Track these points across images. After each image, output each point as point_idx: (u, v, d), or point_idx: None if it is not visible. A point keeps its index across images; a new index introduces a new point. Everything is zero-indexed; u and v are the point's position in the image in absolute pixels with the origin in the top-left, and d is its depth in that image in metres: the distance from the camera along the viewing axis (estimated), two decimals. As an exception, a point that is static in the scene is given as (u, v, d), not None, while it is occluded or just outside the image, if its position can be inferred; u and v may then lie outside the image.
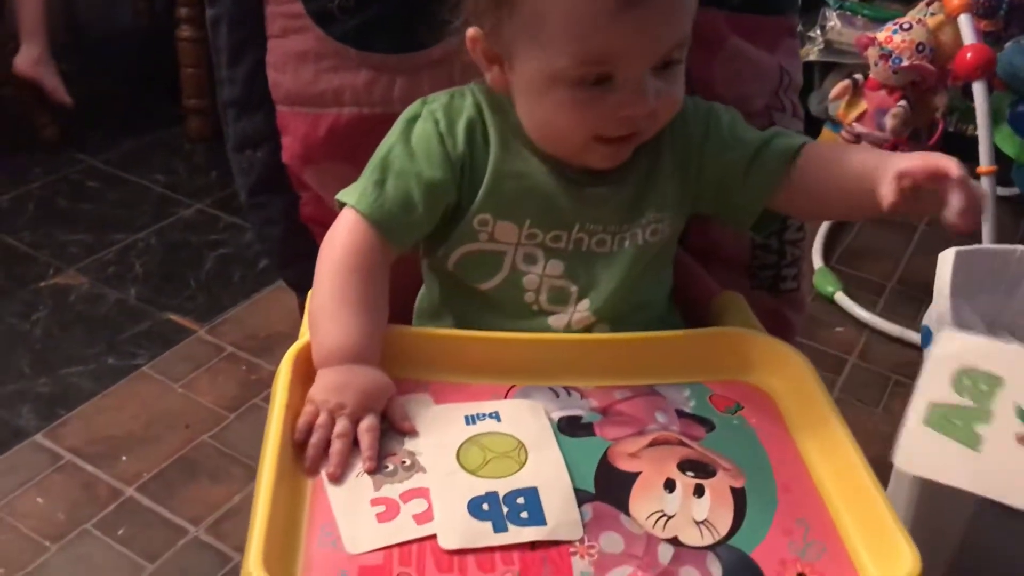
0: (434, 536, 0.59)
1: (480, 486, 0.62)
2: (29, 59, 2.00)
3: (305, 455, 0.64)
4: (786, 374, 0.74)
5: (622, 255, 0.75)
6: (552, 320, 0.76)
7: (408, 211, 0.73)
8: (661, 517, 0.62)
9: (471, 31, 0.71)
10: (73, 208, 1.95)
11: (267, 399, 0.69)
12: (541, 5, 0.66)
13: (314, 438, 0.65)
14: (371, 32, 0.83)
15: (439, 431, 0.67)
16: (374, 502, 0.61)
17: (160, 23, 2.45)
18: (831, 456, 0.68)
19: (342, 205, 0.73)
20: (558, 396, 0.71)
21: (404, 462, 0.64)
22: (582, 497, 0.62)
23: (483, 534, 0.59)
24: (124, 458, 1.38)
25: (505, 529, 0.59)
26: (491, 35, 0.70)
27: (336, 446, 0.64)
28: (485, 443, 0.66)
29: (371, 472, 0.63)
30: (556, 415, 0.69)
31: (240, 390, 1.51)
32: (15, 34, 2.03)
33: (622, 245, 0.75)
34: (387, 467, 0.64)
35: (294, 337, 0.76)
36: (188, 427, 1.44)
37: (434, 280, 0.80)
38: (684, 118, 0.76)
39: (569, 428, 0.68)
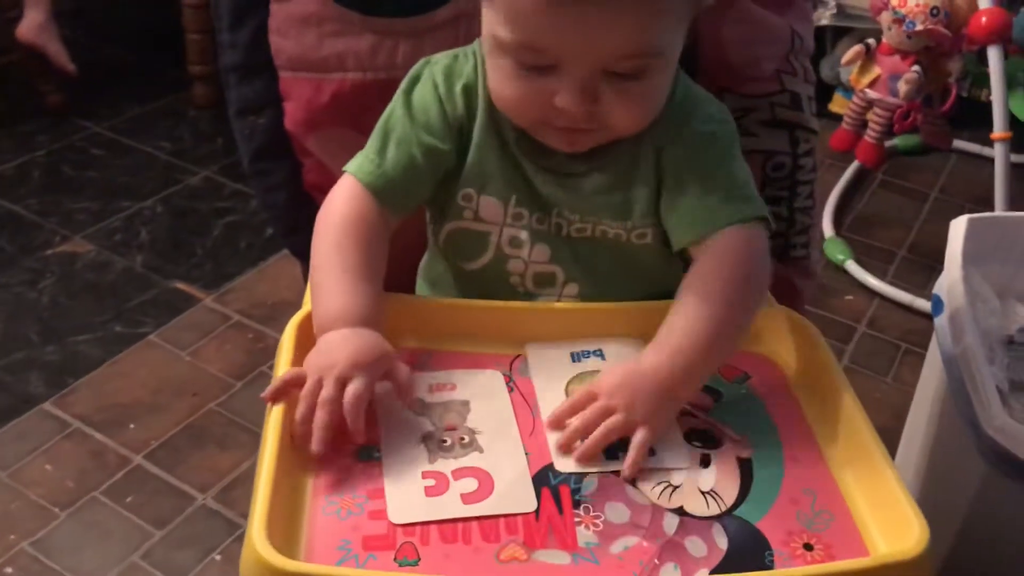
0: None
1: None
2: (32, 26, 1.99)
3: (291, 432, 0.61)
4: (795, 344, 0.73)
5: (609, 244, 0.73)
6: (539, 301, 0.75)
7: (409, 176, 0.71)
8: (667, 487, 0.61)
9: None
10: (79, 176, 1.94)
11: (273, 367, 0.68)
12: None
13: (299, 409, 0.61)
14: (374, -5, 0.81)
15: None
16: (425, 475, 0.61)
17: (164, -12, 2.43)
18: (839, 426, 0.67)
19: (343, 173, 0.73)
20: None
21: (463, 439, 0.64)
22: (587, 467, 0.62)
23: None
24: (132, 426, 1.38)
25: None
26: None
27: (319, 417, 0.60)
28: None
29: (425, 436, 0.62)
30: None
31: (247, 358, 1.51)
32: (18, 1, 2.01)
33: (606, 237, 0.73)
34: (445, 441, 0.63)
35: (300, 305, 0.75)
36: (195, 395, 1.44)
37: (432, 253, 0.79)
38: (691, 136, 0.71)
39: (575, 397, 0.68)
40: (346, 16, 0.82)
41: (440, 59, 0.74)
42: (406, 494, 0.59)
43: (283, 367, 0.66)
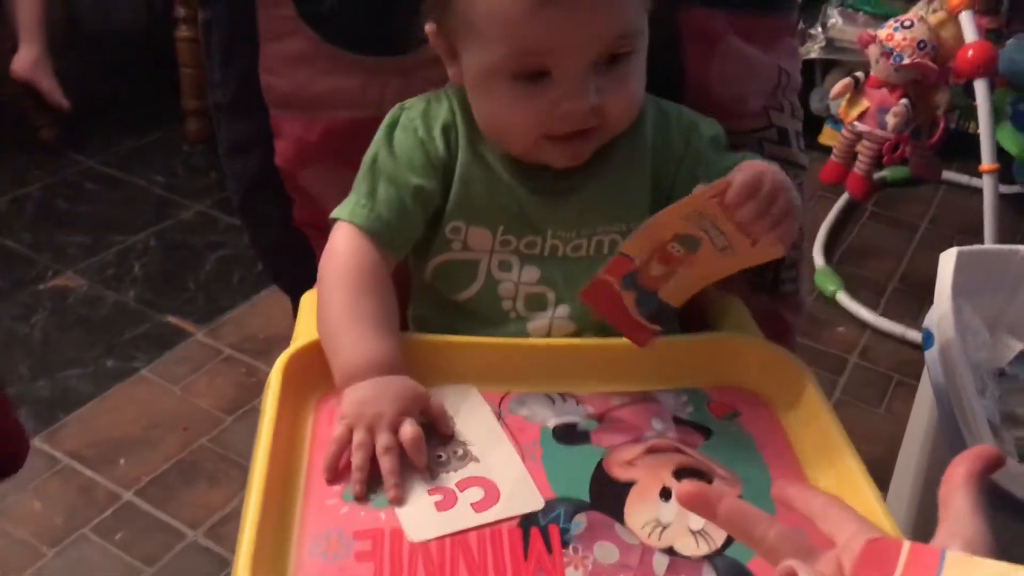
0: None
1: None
2: (26, 61, 2.00)
3: (351, 480, 0.61)
4: (784, 380, 0.73)
5: (601, 261, 0.74)
6: (531, 326, 0.75)
7: (402, 216, 0.73)
8: (656, 527, 0.61)
9: (428, 25, 0.72)
10: (72, 210, 1.95)
11: (262, 403, 0.68)
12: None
13: (356, 460, 0.62)
14: (363, 35, 0.82)
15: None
16: (431, 491, 0.62)
17: (159, 23, 2.45)
18: (829, 464, 0.67)
19: (334, 221, 0.73)
20: (554, 403, 0.70)
21: (457, 452, 0.65)
22: (577, 506, 0.62)
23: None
24: (122, 461, 1.38)
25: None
26: (441, 29, 0.71)
27: (386, 464, 0.61)
28: None
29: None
30: (552, 422, 0.68)
31: (239, 392, 1.51)
32: (13, 35, 2.03)
33: (600, 251, 0.74)
34: (441, 456, 0.65)
35: (291, 340, 0.75)
36: (186, 430, 1.43)
37: (418, 291, 0.80)
38: (668, 126, 0.75)
39: (565, 436, 0.67)
40: (336, 55, 0.83)
41: (414, 103, 0.76)
42: (419, 512, 0.60)
43: (271, 404, 0.66)
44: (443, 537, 0.59)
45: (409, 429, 0.63)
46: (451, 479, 0.63)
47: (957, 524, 0.46)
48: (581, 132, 0.69)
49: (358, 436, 0.63)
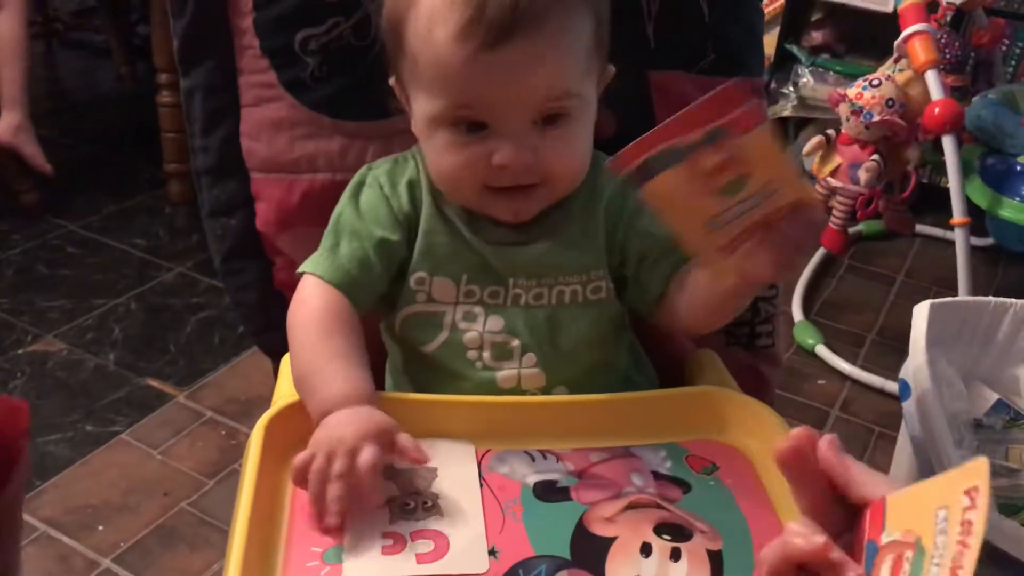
0: None
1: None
2: (9, 127, 2.01)
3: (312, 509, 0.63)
4: (762, 433, 0.74)
5: (563, 310, 0.75)
6: (500, 376, 0.75)
7: (365, 270, 0.74)
8: (638, 583, 0.61)
9: (391, 78, 0.75)
10: (53, 274, 1.94)
11: (242, 466, 0.68)
12: (415, 48, 0.68)
13: (312, 487, 0.63)
14: (344, 100, 0.84)
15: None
16: (385, 535, 0.62)
17: (142, 88, 2.48)
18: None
19: (301, 275, 0.74)
20: (534, 460, 0.71)
21: (426, 503, 0.65)
22: (559, 563, 0.62)
23: None
24: (101, 528, 1.36)
25: None
26: (398, 81, 0.74)
27: (332, 491, 0.62)
28: None
29: (390, 499, 0.64)
30: (532, 479, 0.69)
31: (219, 455, 1.49)
32: (-5, 102, 2.04)
33: (562, 300, 0.76)
34: (409, 504, 0.65)
35: (272, 401, 0.75)
36: (167, 494, 1.42)
37: (390, 344, 0.81)
38: (624, 191, 0.76)
39: (545, 493, 0.68)
40: (316, 120, 0.85)
41: (381, 164, 0.79)
42: (363, 552, 0.61)
43: (251, 468, 0.66)
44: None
45: (366, 454, 0.63)
46: (408, 527, 0.63)
47: (871, 481, 0.48)
48: (522, 188, 0.71)
49: (316, 462, 0.63)
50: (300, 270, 0.75)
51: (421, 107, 0.71)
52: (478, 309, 0.75)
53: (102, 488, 1.43)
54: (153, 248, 2.05)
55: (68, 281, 1.92)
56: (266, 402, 0.76)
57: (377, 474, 0.63)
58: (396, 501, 0.65)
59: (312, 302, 0.73)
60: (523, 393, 0.75)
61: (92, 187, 2.23)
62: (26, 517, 1.36)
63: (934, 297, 1.07)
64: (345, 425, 0.65)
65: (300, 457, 0.64)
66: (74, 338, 1.76)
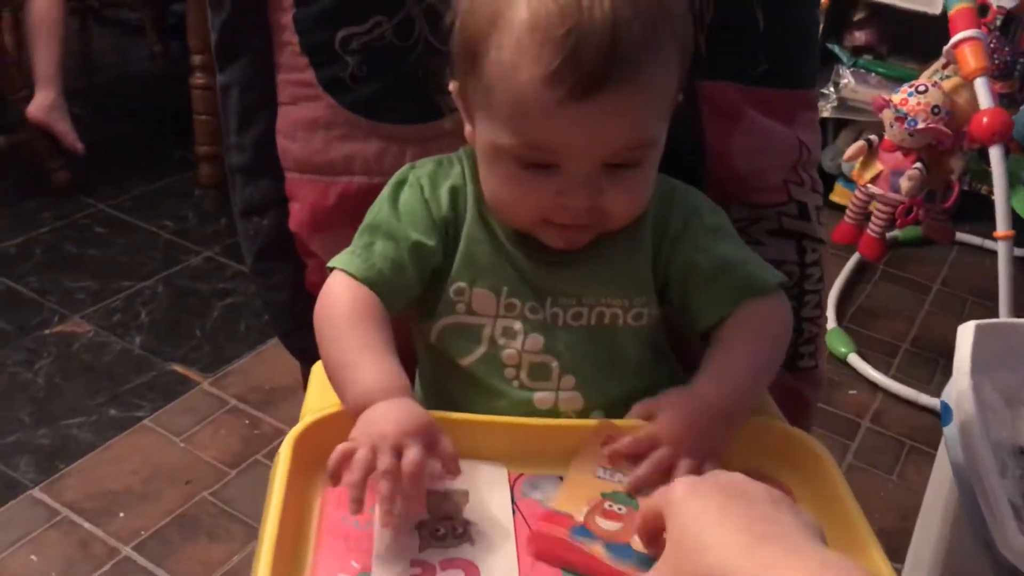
0: None
1: None
2: (42, 105, 2.01)
3: (348, 497, 0.60)
4: (804, 465, 0.71)
5: (602, 332, 0.73)
6: (537, 398, 0.73)
7: (397, 272, 0.72)
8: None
9: (452, 83, 0.72)
10: (80, 254, 1.94)
11: (269, 455, 0.66)
12: (493, 77, 0.65)
13: (353, 475, 0.60)
14: (382, 102, 0.82)
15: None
16: (414, 563, 0.60)
17: (174, 69, 2.47)
18: (850, 553, 0.65)
19: (331, 270, 0.72)
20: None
21: (456, 529, 0.63)
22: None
23: None
24: (122, 515, 1.36)
25: None
26: (462, 90, 0.71)
27: (383, 488, 0.59)
28: None
29: (420, 524, 0.62)
30: None
31: (242, 445, 1.48)
32: (29, 80, 2.04)
33: (601, 321, 0.73)
34: (439, 530, 0.63)
35: (298, 391, 0.73)
36: (188, 483, 1.41)
37: (424, 355, 0.78)
38: (670, 205, 0.74)
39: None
40: (354, 121, 0.82)
41: (425, 163, 0.76)
42: None
43: (280, 482, 0.64)
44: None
45: (412, 454, 0.61)
46: (438, 555, 0.61)
47: None
48: (581, 225, 0.69)
49: (360, 453, 0.61)
50: (331, 264, 0.72)
51: (486, 133, 0.68)
52: (518, 325, 0.73)
53: (124, 474, 1.43)
54: (181, 231, 2.04)
55: (95, 261, 1.92)
56: (289, 392, 0.74)
57: (422, 477, 0.61)
58: (426, 526, 0.63)
59: (343, 295, 0.71)
60: (559, 415, 0.73)
61: (122, 167, 2.23)
62: (48, 500, 1.37)
63: (970, 307, 1.03)
64: (385, 420, 0.63)
65: (340, 448, 0.62)
66: (100, 320, 1.76)
